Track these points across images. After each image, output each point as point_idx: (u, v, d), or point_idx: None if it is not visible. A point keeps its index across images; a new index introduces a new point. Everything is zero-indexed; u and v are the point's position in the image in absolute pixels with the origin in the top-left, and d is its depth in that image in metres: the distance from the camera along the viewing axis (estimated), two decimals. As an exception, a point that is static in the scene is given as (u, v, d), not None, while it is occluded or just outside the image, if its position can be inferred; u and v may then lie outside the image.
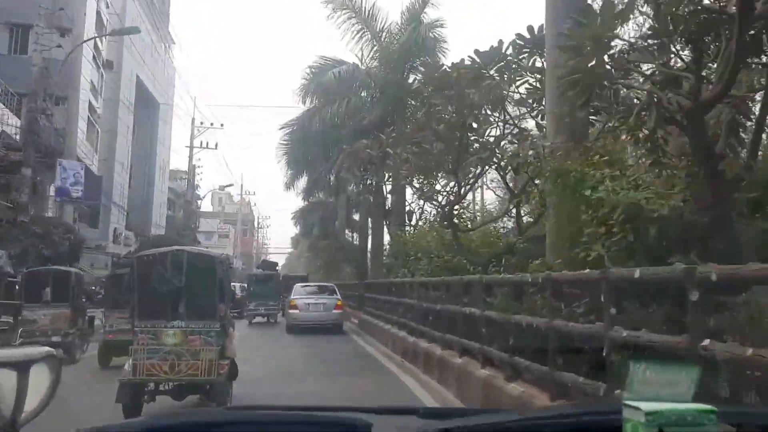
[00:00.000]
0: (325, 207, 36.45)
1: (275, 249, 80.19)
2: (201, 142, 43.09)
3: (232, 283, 20.14)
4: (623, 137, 6.78)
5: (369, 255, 28.80)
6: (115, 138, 34.77)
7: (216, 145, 44.01)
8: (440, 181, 14.32)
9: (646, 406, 1.23)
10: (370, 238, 28.51)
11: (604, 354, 4.38)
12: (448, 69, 11.85)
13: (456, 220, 13.08)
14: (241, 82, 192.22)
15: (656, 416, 1.20)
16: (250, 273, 32.76)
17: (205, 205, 78.47)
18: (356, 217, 32.53)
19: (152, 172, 43.09)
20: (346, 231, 33.42)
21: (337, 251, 34.26)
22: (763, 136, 5.94)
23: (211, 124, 43.24)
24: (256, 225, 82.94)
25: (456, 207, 13.28)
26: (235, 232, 71.85)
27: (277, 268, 32.02)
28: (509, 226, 15.45)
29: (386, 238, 24.78)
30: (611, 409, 1.31)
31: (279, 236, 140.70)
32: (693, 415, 1.20)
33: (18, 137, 21.12)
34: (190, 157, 42.32)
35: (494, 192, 24.65)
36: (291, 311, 19.10)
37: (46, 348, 1.21)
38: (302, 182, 33.37)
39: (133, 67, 37.09)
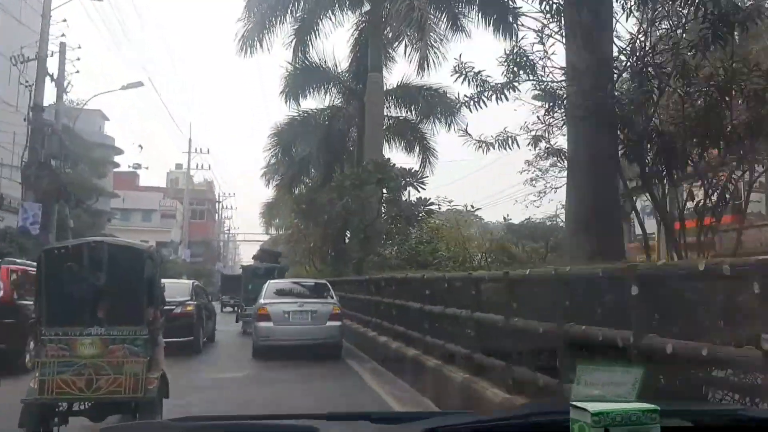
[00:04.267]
0: (331, 121, 21.58)
1: (243, 237, 67.06)
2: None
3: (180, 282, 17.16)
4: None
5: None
6: None
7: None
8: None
9: (593, 406, 1.29)
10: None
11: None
12: None
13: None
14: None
15: (602, 416, 1.27)
16: (245, 266, 26.08)
17: (156, 181, 61.10)
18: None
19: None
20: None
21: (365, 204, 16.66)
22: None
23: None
24: (217, 196, 63.68)
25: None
26: (184, 210, 53.90)
27: (280, 260, 24.37)
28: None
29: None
30: (559, 409, 1.36)
31: (245, 222, 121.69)
32: (637, 414, 1.27)
33: None
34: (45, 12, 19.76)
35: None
36: (260, 324, 12.48)
37: None
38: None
39: None
